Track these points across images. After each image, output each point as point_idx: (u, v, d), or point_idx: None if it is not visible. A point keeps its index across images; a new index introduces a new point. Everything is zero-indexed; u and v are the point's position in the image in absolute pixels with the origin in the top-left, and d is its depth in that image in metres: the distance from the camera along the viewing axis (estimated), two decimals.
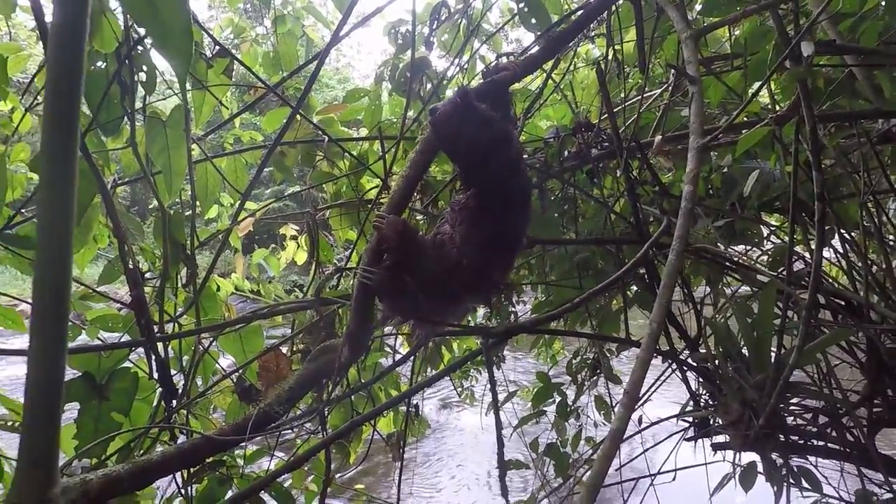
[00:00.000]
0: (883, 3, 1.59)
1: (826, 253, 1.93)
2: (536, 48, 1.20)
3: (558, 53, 1.45)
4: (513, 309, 3.05)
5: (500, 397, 3.29)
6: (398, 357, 1.94)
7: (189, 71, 1.38)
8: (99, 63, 1.30)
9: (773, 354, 1.59)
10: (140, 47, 1.23)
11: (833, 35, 1.63)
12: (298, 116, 1.58)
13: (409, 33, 1.77)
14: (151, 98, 1.46)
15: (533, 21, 1.34)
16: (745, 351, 1.68)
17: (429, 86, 1.68)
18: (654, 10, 1.29)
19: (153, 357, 1.35)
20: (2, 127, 1.57)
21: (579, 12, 1.23)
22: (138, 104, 1.40)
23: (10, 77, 1.33)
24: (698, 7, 1.51)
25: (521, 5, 1.33)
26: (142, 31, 1.29)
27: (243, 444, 1.11)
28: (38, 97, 1.42)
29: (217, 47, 1.49)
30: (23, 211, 1.58)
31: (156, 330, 1.31)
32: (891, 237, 2.24)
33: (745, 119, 1.61)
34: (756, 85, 2.15)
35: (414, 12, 1.44)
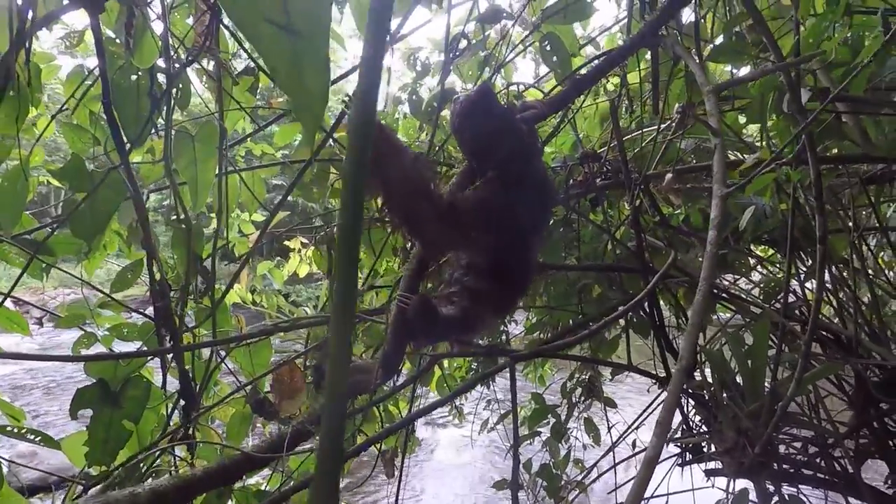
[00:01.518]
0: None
1: (810, 284, 2.02)
2: (561, 89, 1.27)
3: (581, 95, 1.53)
4: (504, 328, 3.09)
5: (494, 417, 3.30)
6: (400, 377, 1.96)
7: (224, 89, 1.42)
8: (132, 77, 1.33)
9: (765, 384, 1.66)
10: (177, 64, 1.27)
11: (826, 82, 1.74)
12: (318, 135, 1.62)
13: (428, 61, 1.84)
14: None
15: (554, 59, 1.41)
16: (739, 379, 1.75)
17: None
18: (670, 56, 1.37)
19: (167, 367, 1.36)
20: (24, 133, 1.58)
21: (602, 58, 1.30)
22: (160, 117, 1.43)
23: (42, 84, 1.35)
24: (705, 53, 1.61)
25: (545, 44, 1.40)
26: (177, 47, 1.33)
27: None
28: (66, 105, 1.45)
29: (248, 64, 1.54)
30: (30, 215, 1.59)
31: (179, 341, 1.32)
32: (871, 272, 2.35)
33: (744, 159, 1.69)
34: (751, 128, 2.26)
35: (446, 40, 1.50)
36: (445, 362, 3.21)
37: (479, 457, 5.62)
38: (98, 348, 1.52)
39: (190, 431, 1.38)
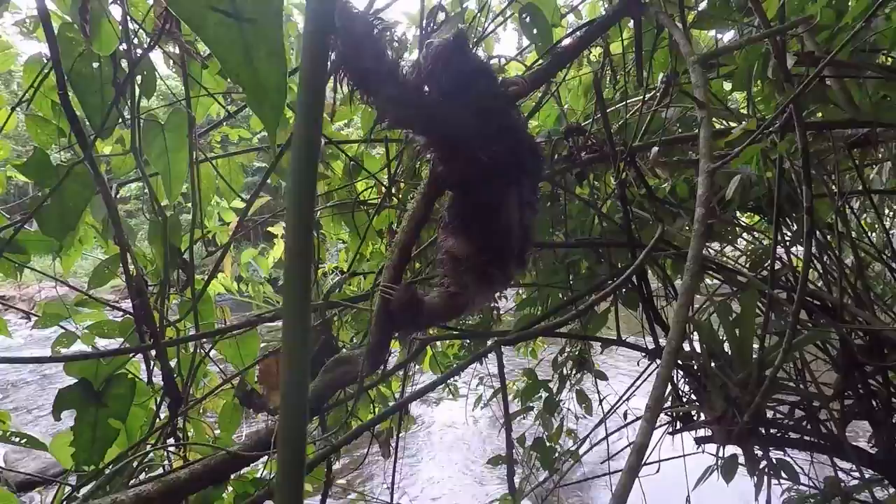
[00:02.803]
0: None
1: (795, 249, 2.03)
2: (543, 63, 1.23)
3: (563, 68, 1.48)
4: (495, 304, 3.10)
5: (488, 393, 3.33)
6: (390, 357, 1.95)
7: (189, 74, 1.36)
8: (94, 64, 1.26)
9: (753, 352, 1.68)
10: (139, 50, 1.21)
11: (812, 46, 1.71)
12: (293, 118, 1.56)
13: (406, 37, 1.77)
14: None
15: (535, 31, 1.37)
16: (727, 349, 1.76)
17: None
18: (653, 25, 1.33)
19: (152, 363, 1.34)
20: None
21: (583, 29, 1.26)
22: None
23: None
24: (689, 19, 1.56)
25: (525, 16, 1.35)
26: (140, 33, 1.27)
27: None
28: (27, 96, 1.38)
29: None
30: (3, 213, 1.53)
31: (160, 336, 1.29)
32: (854, 235, 2.37)
33: (731, 129, 1.67)
34: (736, 96, 2.23)
35: (422, 13, 1.44)
36: (438, 343, 3.22)
37: (475, 432, 5.71)
38: (79, 346, 1.48)
39: (180, 425, 1.37)
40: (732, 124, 1.63)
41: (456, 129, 1.05)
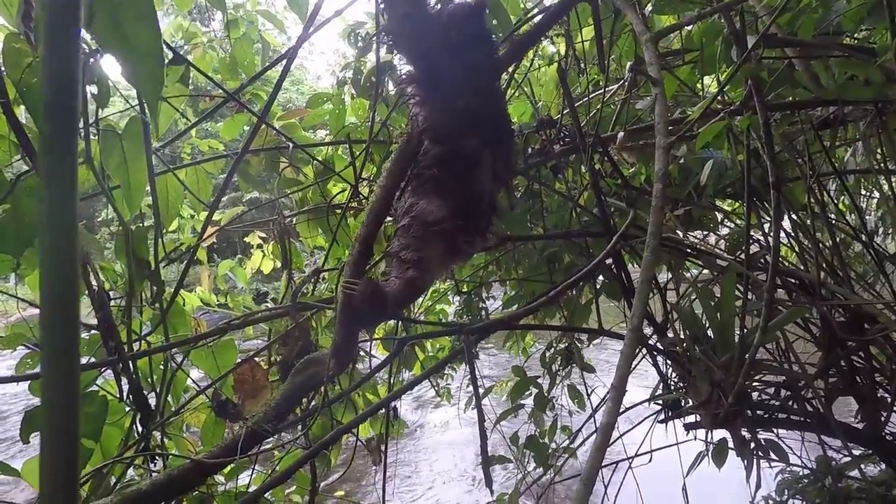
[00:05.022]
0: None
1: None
2: (503, 52, 1.22)
3: (521, 56, 1.48)
4: (483, 305, 3.08)
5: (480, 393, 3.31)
6: (374, 362, 1.93)
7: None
8: None
9: (736, 335, 1.67)
10: (92, 59, 1.18)
11: (774, 29, 1.73)
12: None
13: (369, 36, 1.77)
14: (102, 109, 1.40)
15: (494, 22, 1.36)
16: (710, 333, 1.76)
17: (393, 90, 1.68)
18: (611, 11, 1.33)
19: (122, 378, 1.30)
20: None
21: (539, 16, 1.25)
22: (91, 118, 1.34)
23: None
24: (649, 7, 1.57)
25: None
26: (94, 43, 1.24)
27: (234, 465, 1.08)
28: None
29: (171, 54, 1.44)
30: None
31: (125, 349, 1.26)
32: (832, 216, 2.39)
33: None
34: (708, 79, 2.25)
35: (378, 14, 1.43)
36: (427, 343, 3.20)
37: (468, 434, 5.67)
38: None
39: (158, 441, 1.33)
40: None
41: (443, 70, 1.11)
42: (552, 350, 2.74)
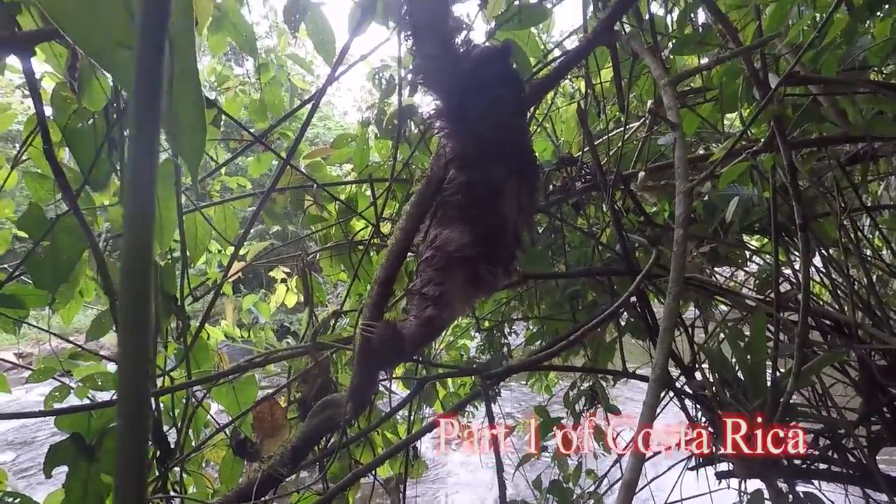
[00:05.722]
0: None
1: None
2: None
3: (541, 99, 1.50)
4: (505, 341, 3.04)
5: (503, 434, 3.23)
6: (394, 398, 1.91)
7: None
8: (89, 121, 1.31)
9: (768, 377, 1.60)
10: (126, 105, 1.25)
11: (797, 67, 1.72)
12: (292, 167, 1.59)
13: (393, 79, 1.82)
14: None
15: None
16: (740, 375, 1.69)
17: (415, 130, 1.72)
18: (629, 54, 1.35)
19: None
20: None
21: (558, 60, 1.28)
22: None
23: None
24: (667, 49, 1.59)
25: None
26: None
27: None
28: (24, 154, 1.42)
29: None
30: (7, 267, 1.55)
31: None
32: (867, 251, 2.30)
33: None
34: (731, 115, 2.24)
35: (400, 59, 1.48)
36: (449, 381, 3.16)
37: (491, 475, 5.50)
38: (74, 400, 1.47)
39: (177, 479, 1.33)
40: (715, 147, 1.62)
41: (471, 104, 1.14)
42: (576, 389, 2.67)
